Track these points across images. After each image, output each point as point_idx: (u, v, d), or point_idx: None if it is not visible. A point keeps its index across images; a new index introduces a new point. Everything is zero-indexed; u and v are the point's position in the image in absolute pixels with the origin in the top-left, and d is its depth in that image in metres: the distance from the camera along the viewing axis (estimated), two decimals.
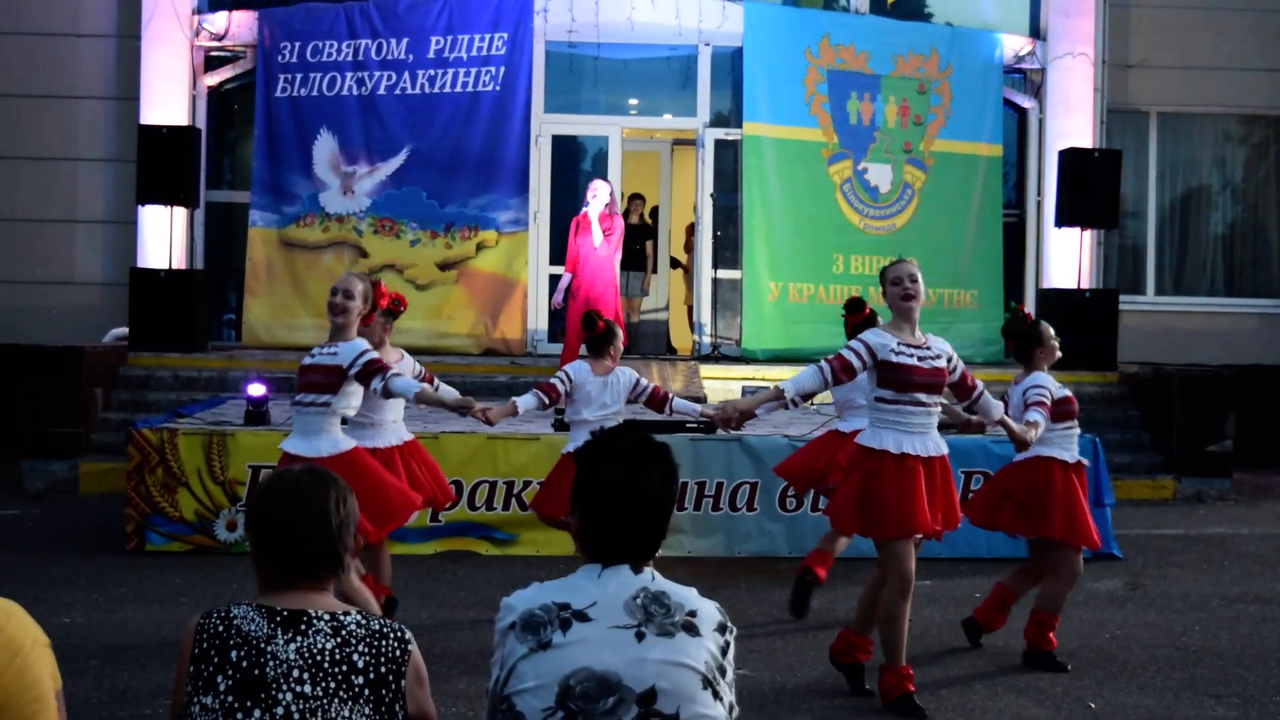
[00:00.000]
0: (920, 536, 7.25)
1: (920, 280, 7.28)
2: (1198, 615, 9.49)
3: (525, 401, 8.85)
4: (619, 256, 14.00)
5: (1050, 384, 8.12)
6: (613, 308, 14.05)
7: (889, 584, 7.19)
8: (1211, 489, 14.49)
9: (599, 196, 13.73)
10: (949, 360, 7.26)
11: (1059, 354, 8.37)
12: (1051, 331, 8.36)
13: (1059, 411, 8.10)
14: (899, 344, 7.12)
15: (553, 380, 9.04)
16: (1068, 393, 8.24)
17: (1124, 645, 8.61)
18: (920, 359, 7.12)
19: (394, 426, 8.51)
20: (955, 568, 10.66)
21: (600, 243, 13.64)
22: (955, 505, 7.33)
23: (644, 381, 9.12)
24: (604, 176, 16.78)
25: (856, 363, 7.14)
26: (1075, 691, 7.62)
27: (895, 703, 7.14)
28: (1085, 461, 8.36)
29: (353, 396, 7.77)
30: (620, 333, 9.36)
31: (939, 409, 7.29)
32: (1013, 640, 8.59)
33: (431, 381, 8.79)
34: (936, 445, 7.20)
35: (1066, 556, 8.21)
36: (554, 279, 16.66)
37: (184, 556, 10.65)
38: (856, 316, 9.26)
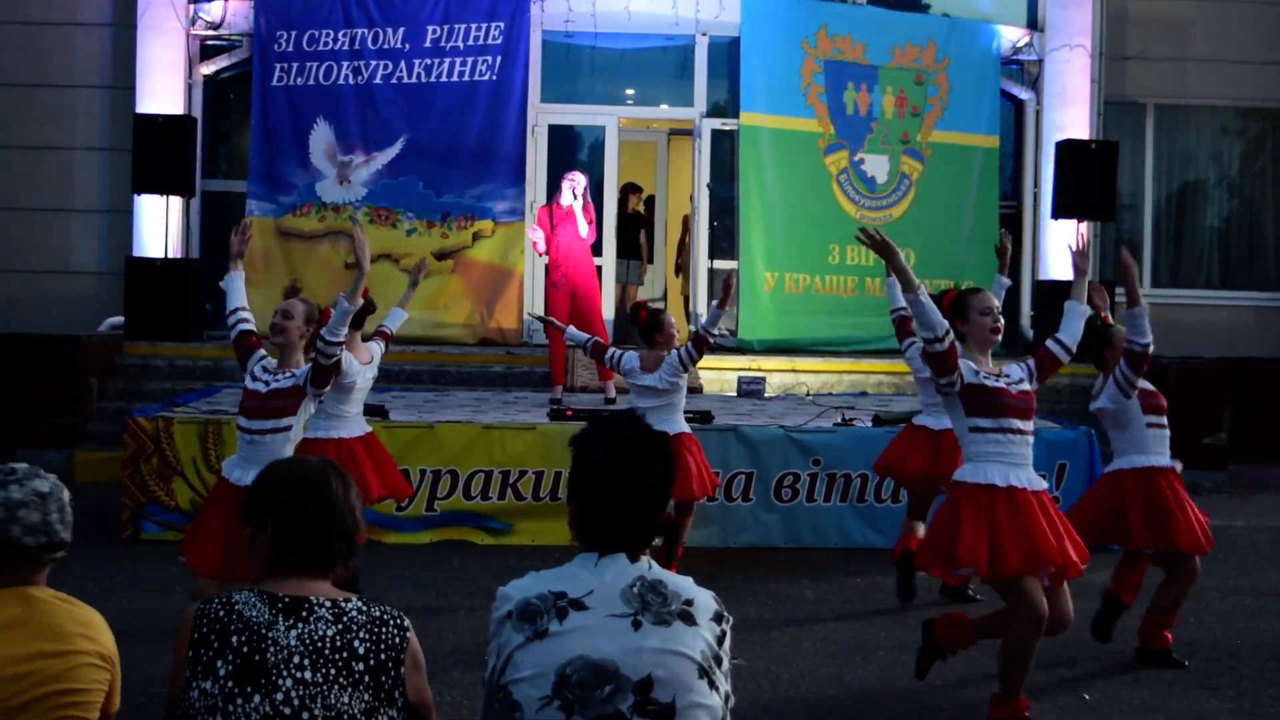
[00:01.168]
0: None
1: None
2: (1192, 607, 9.46)
3: (577, 335, 9.74)
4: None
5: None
6: (598, 290, 14.17)
7: (1019, 620, 6.50)
8: (1206, 481, 14.47)
9: (578, 187, 13.76)
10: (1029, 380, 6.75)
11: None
12: (1124, 332, 7.96)
13: (1147, 404, 7.99)
14: (983, 373, 6.59)
15: (608, 343, 9.34)
16: (1152, 387, 8.06)
17: (1119, 637, 8.61)
18: (1008, 384, 6.63)
19: (357, 419, 8.82)
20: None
21: (587, 233, 13.70)
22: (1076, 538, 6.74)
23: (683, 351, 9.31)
24: (600, 167, 16.81)
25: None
26: (1070, 683, 7.63)
27: None
28: (1175, 465, 8.16)
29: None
30: (668, 318, 9.61)
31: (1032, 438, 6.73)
32: None
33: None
34: (1037, 479, 6.66)
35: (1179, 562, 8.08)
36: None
37: (179, 545, 10.63)
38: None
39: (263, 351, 7.52)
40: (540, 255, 14.41)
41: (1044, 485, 6.65)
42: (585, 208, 13.76)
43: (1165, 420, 8.11)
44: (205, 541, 7.26)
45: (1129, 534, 7.98)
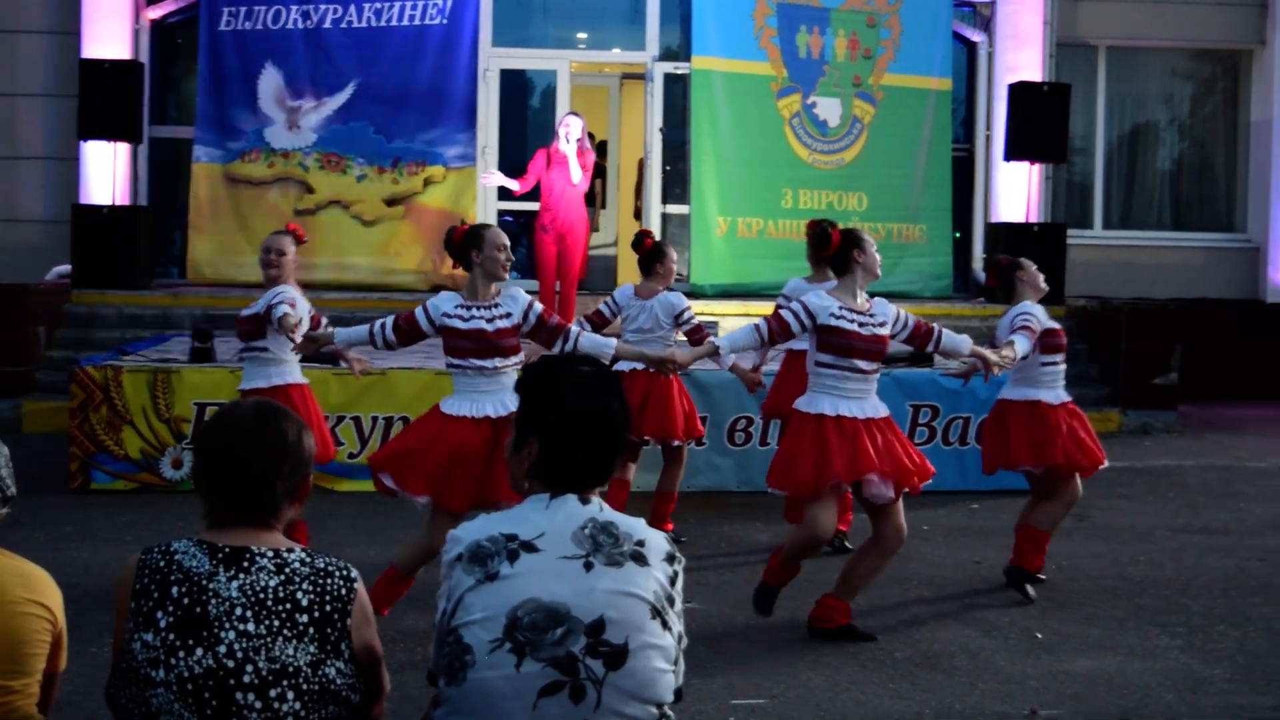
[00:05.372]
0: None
1: None
2: (1143, 546, 9.57)
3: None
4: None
5: (1038, 312, 8.14)
6: (585, 241, 14.15)
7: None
8: (1157, 421, 14.60)
9: (573, 131, 13.73)
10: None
11: (1045, 288, 8.41)
12: (1035, 266, 8.43)
13: (1047, 344, 8.10)
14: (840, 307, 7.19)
15: (598, 307, 9.23)
16: (1056, 325, 8.24)
17: (1070, 576, 8.68)
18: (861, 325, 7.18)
19: (295, 364, 8.35)
20: (906, 500, 10.66)
21: (580, 179, 13.68)
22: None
23: (690, 313, 9.31)
24: (553, 111, 16.69)
25: (794, 324, 7.21)
26: (1022, 622, 7.68)
27: None
28: (1069, 400, 8.35)
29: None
30: (670, 251, 9.54)
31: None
32: (960, 571, 8.65)
33: (319, 323, 8.36)
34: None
35: (1067, 483, 8.27)
36: (502, 214, 16.62)
37: (129, 494, 10.59)
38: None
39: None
40: (516, 195, 14.46)
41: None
42: (580, 153, 13.73)
43: (1061, 358, 8.31)
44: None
45: (1012, 459, 8.24)
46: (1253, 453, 13.49)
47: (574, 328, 7.37)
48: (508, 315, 7.16)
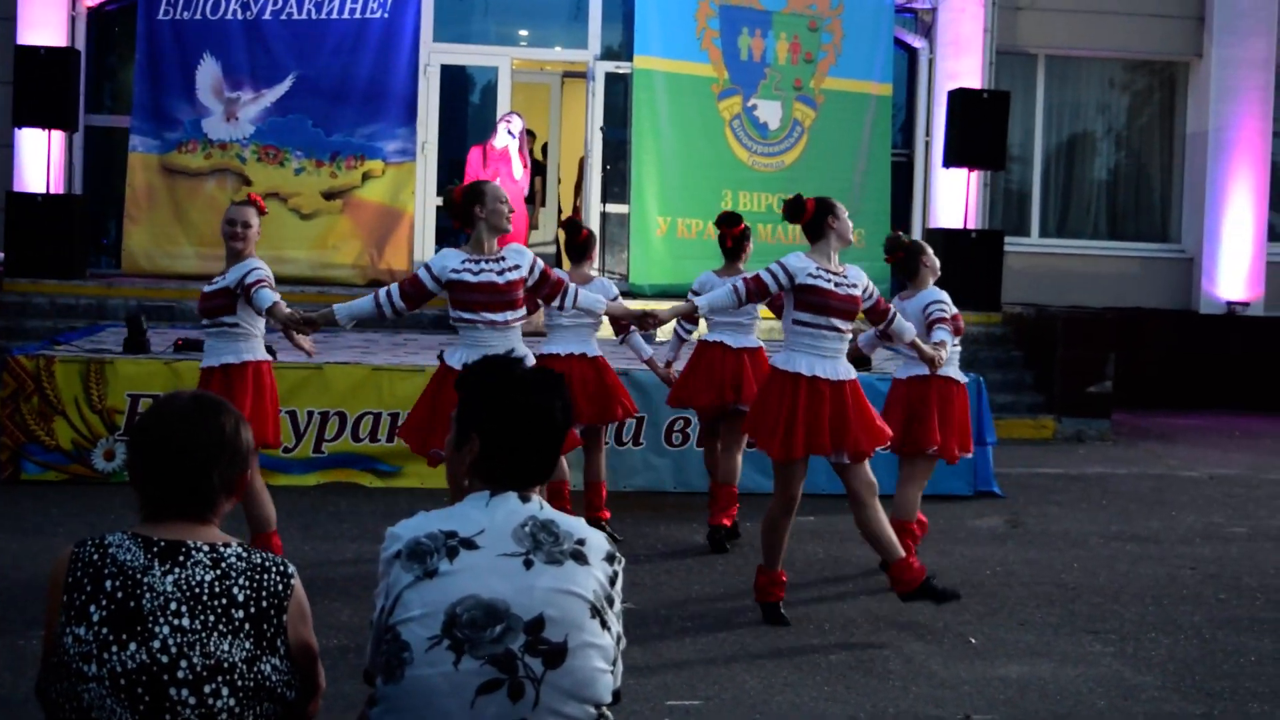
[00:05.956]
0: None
1: None
2: (1077, 553, 9.62)
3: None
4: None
5: (945, 298, 8.39)
6: (524, 239, 14.17)
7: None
8: (1091, 429, 14.69)
9: (514, 127, 13.72)
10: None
11: (940, 272, 8.65)
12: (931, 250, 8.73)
13: (953, 327, 8.34)
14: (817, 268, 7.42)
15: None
16: (956, 310, 8.48)
17: (1004, 582, 8.72)
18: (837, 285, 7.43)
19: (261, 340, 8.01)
20: (839, 503, 10.69)
21: (521, 175, 13.69)
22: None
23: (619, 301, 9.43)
24: (494, 108, 16.66)
25: (772, 283, 7.43)
26: (956, 627, 7.70)
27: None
28: (964, 380, 8.71)
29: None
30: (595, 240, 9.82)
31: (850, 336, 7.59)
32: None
33: None
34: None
35: (926, 466, 8.62)
36: (442, 210, 16.54)
37: (61, 486, 10.46)
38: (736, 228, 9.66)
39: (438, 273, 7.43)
40: None
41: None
42: (521, 150, 13.73)
43: (959, 340, 8.60)
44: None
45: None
46: (1184, 462, 13.60)
47: (571, 285, 7.69)
48: (516, 267, 7.41)
